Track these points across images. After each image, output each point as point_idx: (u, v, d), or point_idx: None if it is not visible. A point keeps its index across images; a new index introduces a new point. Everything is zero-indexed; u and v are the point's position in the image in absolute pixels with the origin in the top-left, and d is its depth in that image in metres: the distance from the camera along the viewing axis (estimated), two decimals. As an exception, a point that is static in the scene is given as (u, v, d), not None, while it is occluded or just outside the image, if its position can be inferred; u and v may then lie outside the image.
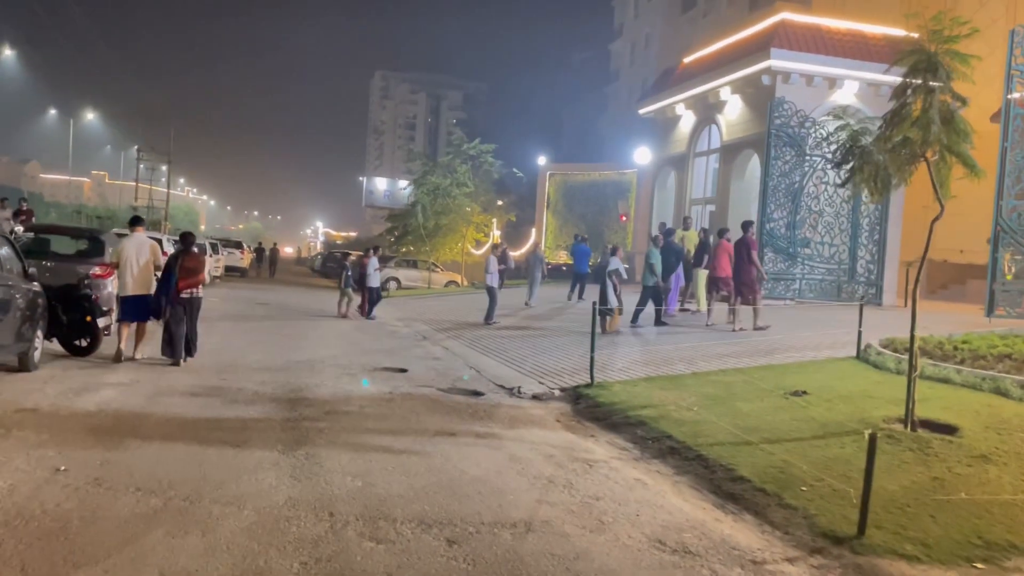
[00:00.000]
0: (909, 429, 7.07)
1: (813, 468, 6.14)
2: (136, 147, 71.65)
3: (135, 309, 10.19)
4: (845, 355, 11.07)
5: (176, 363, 9.95)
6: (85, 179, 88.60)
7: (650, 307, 14.80)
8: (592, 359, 9.86)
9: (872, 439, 4.89)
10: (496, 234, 37.53)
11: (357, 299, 19.18)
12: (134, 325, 10.27)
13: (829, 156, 18.13)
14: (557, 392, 9.73)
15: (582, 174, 36.07)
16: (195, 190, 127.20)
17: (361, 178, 76.87)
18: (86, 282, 10.13)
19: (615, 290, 14.15)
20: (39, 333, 8.92)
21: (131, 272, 10.15)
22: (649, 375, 10.27)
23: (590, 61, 68.99)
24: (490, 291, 16.78)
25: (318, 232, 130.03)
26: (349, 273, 19.31)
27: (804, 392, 8.61)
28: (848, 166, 7.85)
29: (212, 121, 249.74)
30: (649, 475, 6.38)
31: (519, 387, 9.99)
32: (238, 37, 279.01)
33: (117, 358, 9.92)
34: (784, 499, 5.59)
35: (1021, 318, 12.51)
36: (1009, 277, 22.14)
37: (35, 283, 8.82)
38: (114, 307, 10.43)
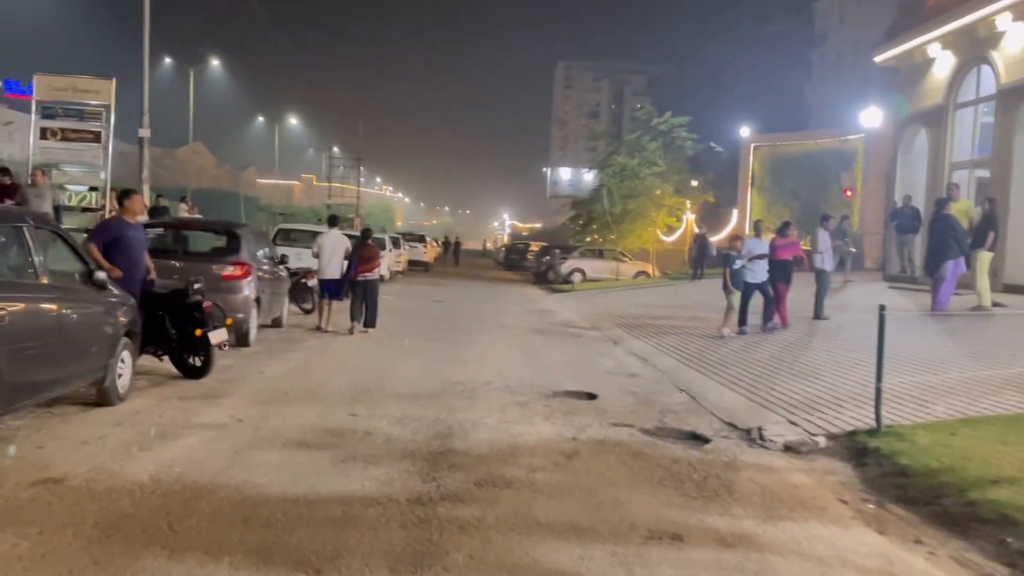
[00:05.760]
0: None
1: None
2: (331, 147, 74.48)
3: (330, 289, 12.69)
4: None
5: (365, 331, 12.37)
6: (295, 182, 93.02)
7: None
8: (879, 390, 6.48)
9: None
10: (690, 217, 33.75)
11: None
12: (331, 302, 12.74)
13: None
14: (822, 441, 6.47)
15: (794, 144, 31.33)
16: (391, 188, 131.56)
17: (546, 169, 75.48)
18: (196, 287, 8.09)
19: None
20: (124, 354, 6.88)
21: (328, 260, 12.59)
22: (965, 414, 6.75)
23: (787, 30, 63.25)
24: (820, 276, 12.93)
25: (505, 224, 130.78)
26: (736, 266, 11.87)
27: None
28: None
29: (405, 122, 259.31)
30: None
31: (759, 428, 6.86)
32: (425, 44, 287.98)
33: (319, 328, 12.57)
34: None
35: None
36: None
37: (108, 288, 6.74)
38: (252, 311, 10.64)
